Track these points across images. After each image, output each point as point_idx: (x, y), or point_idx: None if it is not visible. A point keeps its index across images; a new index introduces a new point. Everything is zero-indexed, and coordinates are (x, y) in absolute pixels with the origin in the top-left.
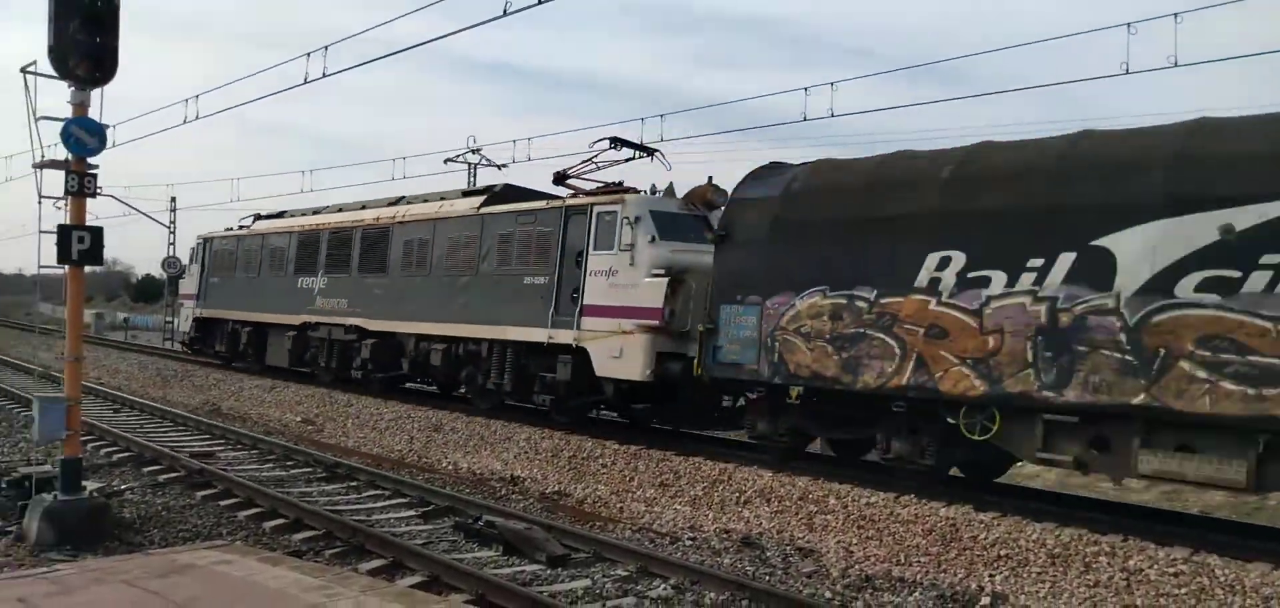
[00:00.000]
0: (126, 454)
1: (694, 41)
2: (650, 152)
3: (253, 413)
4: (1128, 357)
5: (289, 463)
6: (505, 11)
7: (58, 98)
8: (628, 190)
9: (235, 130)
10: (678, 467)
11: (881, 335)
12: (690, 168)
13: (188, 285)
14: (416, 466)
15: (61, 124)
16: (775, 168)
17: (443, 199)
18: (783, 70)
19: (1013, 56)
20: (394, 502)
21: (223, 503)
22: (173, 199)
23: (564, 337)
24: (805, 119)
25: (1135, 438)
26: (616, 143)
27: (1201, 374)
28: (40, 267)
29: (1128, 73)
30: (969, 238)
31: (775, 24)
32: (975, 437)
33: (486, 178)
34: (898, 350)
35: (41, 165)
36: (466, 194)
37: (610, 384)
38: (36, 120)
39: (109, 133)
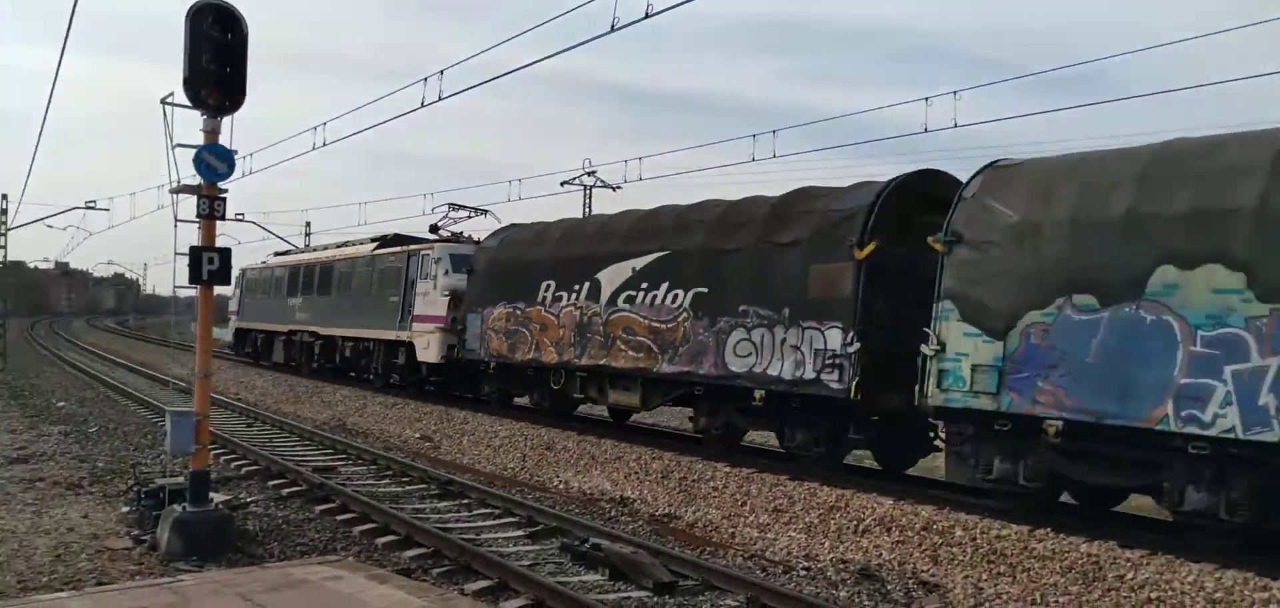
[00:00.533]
0: (254, 467)
1: (809, 59)
2: (483, 211)
3: (375, 429)
4: (602, 337)
5: (405, 479)
6: (613, 28)
7: (196, 127)
8: (440, 240)
9: (364, 160)
10: (792, 492)
11: (521, 328)
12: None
13: (232, 304)
14: (528, 484)
15: (193, 151)
16: (501, 230)
17: (359, 244)
18: (902, 85)
19: (1150, 58)
20: (503, 521)
21: (340, 518)
22: (307, 224)
23: (404, 336)
24: (927, 130)
25: (606, 381)
26: (454, 206)
27: (622, 347)
28: (174, 287)
29: None
30: (556, 273)
31: (894, 36)
32: (556, 386)
33: (601, 199)
34: (528, 336)
35: (177, 190)
36: (373, 240)
37: (424, 365)
38: (173, 148)
39: (245, 161)
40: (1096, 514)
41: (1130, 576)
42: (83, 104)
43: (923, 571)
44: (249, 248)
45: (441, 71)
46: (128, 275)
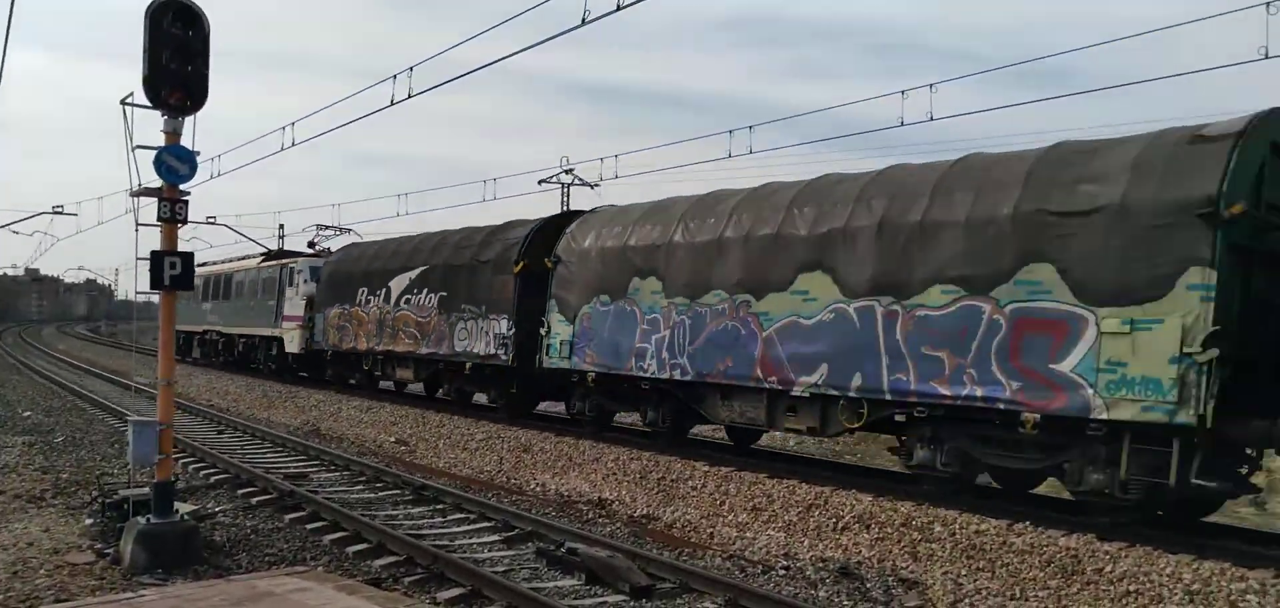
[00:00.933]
0: (223, 475)
1: (788, 53)
2: (346, 230)
3: (349, 433)
4: (391, 329)
5: (378, 485)
6: (583, 21)
7: (157, 128)
8: (301, 254)
9: (341, 159)
10: (771, 490)
11: (347, 324)
12: (781, 175)
13: None
14: (505, 487)
15: (154, 153)
16: (342, 248)
17: (249, 258)
18: (881, 78)
19: (1121, 49)
20: (478, 526)
21: (310, 526)
22: (281, 226)
23: (277, 332)
24: (903, 124)
25: (395, 363)
26: (322, 227)
27: (402, 336)
28: (136, 291)
29: (1266, 57)
30: (368, 282)
31: (873, 33)
32: (366, 367)
33: (580, 197)
34: (351, 330)
35: (138, 193)
36: (264, 255)
37: (290, 355)
38: (134, 150)
39: (213, 162)
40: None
41: (1109, 568)
42: (47, 105)
43: (902, 567)
44: (222, 250)
45: (411, 69)
46: (99, 281)
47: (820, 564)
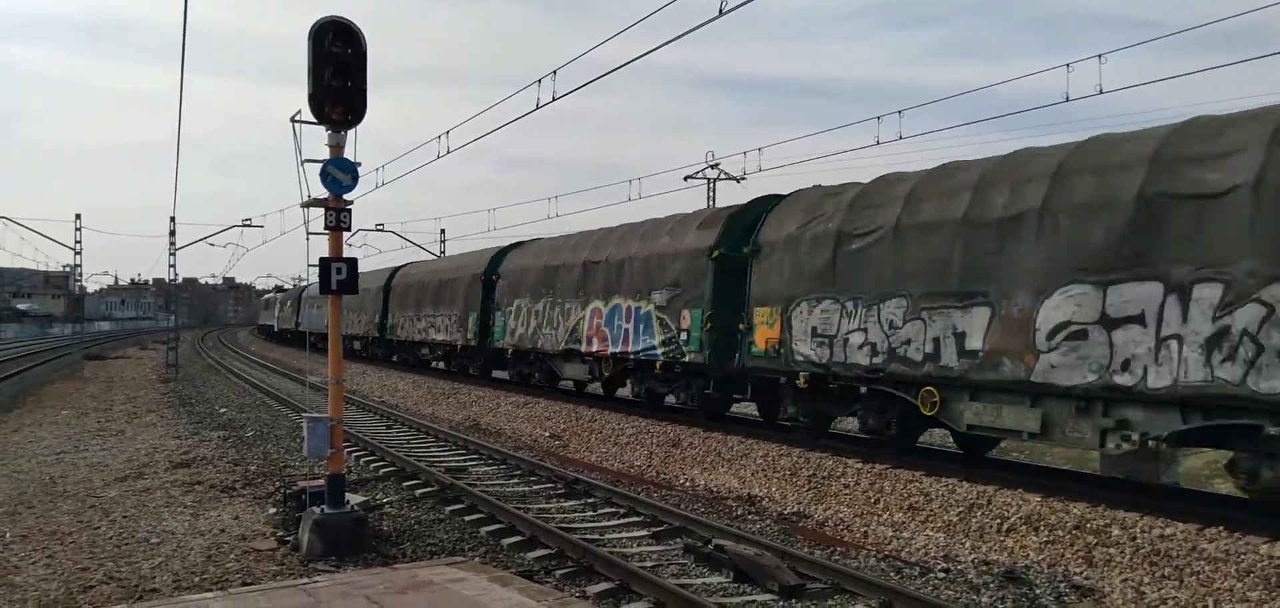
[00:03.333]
0: (392, 469)
1: (936, 33)
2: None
3: (507, 428)
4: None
5: (532, 479)
6: (721, 11)
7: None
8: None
9: (491, 165)
10: (928, 488)
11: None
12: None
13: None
14: (654, 482)
15: (320, 166)
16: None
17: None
18: (1041, 55)
19: None
20: (628, 520)
21: (468, 518)
22: (442, 231)
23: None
24: (1068, 100)
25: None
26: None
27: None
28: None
29: None
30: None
31: (1031, 4)
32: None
33: (725, 191)
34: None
35: (307, 204)
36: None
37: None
38: (302, 163)
39: (378, 172)
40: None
41: None
42: (233, 125)
43: (1075, 573)
44: (390, 256)
45: (554, 72)
46: (284, 286)
47: (983, 567)
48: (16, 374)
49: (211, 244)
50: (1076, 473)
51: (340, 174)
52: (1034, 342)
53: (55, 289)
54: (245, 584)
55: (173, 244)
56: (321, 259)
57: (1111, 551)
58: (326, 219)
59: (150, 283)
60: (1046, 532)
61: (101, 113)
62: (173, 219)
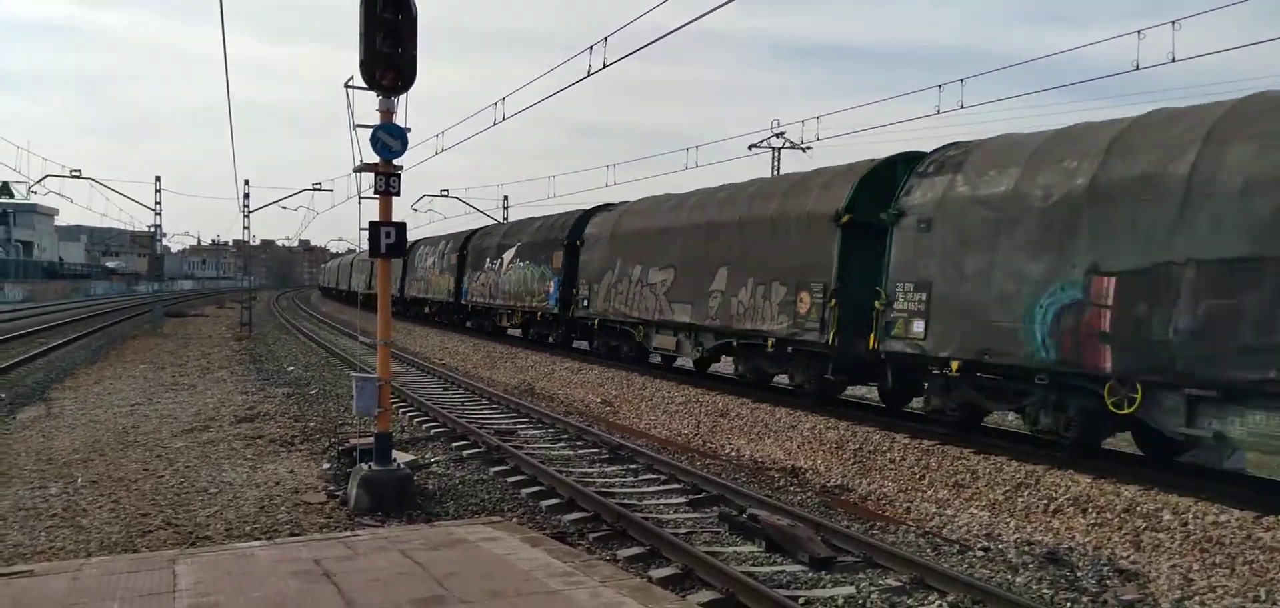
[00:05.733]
0: (442, 429)
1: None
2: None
3: (560, 393)
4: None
5: (578, 443)
6: None
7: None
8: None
9: (563, 131)
10: (975, 466)
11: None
12: (994, 130)
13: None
14: (701, 450)
15: (370, 131)
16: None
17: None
18: (1122, 19)
19: None
20: (668, 486)
21: (511, 480)
22: (505, 198)
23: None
24: (1138, 68)
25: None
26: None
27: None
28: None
29: None
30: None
31: None
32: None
33: (790, 159)
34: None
35: (359, 169)
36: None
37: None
38: (355, 128)
39: (439, 138)
40: None
41: None
42: (312, 92)
43: (1121, 557)
44: (454, 221)
45: (605, 39)
46: (353, 249)
47: (1025, 548)
48: (102, 329)
49: (284, 207)
50: (1131, 455)
51: (390, 139)
52: None
53: (141, 248)
54: (293, 536)
55: (246, 206)
56: (371, 223)
57: (1161, 536)
58: (376, 184)
59: (231, 244)
60: (1094, 514)
61: (190, 78)
62: (247, 181)
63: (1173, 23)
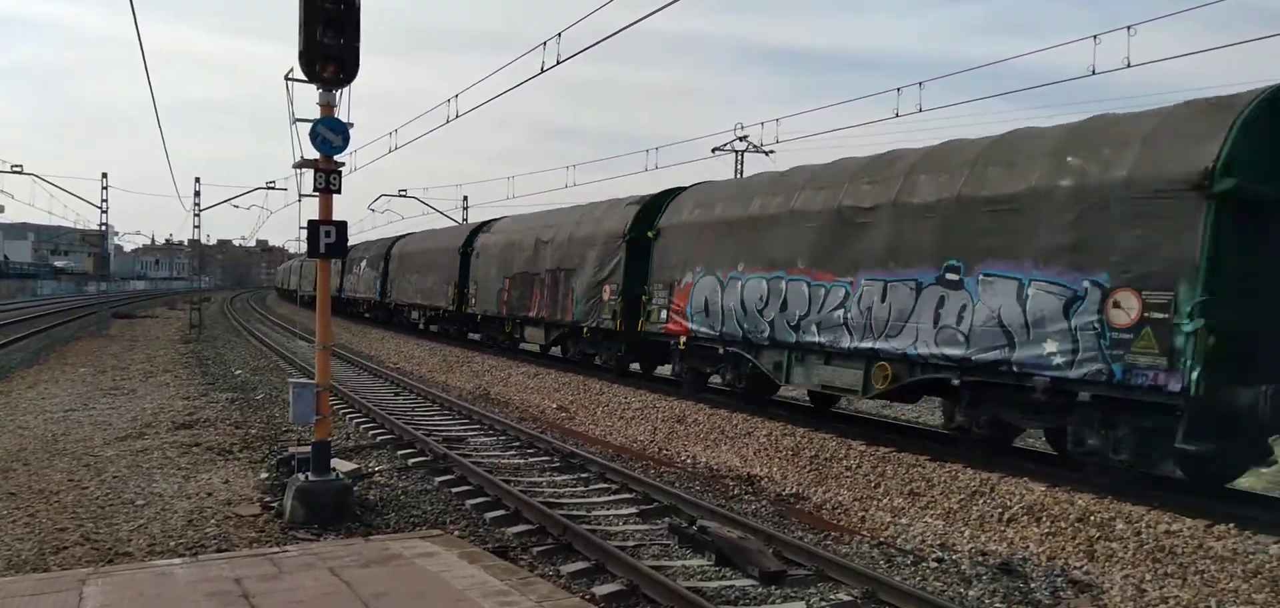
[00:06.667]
0: (389, 437)
1: (982, 8)
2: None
3: (515, 399)
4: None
5: (530, 451)
6: None
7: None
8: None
9: (531, 133)
10: (931, 474)
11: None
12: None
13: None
14: (656, 458)
15: (310, 126)
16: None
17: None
18: (1084, 28)
19: None
20: (619, 497)
21: (456, 490)
22: (465, 198)
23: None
24: (1094, 73)
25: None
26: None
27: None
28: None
29: None
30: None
31: None
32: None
33: (753, 163)
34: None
35: (298, 165)
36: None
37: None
38: (294, 123)
39: (392, 136)
40: None
41: None
42: (267, 88)
43: (1074, 567)
44: (413, 222)
45: (558, 35)
46: None
47: (979, 558)
48: (45, 331)
49: (236, 206)
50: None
51: (330, 134)
52: None
53: (91, 247)
54: (219, 551)
55: (197, 205)
56: (310, 222)
57: (1114, 545)
58: (316, 180)
59: (185, 244)
60: (1048, 523)
61: (145, 73)
62: (197, 179)
63: (1129, 28)
